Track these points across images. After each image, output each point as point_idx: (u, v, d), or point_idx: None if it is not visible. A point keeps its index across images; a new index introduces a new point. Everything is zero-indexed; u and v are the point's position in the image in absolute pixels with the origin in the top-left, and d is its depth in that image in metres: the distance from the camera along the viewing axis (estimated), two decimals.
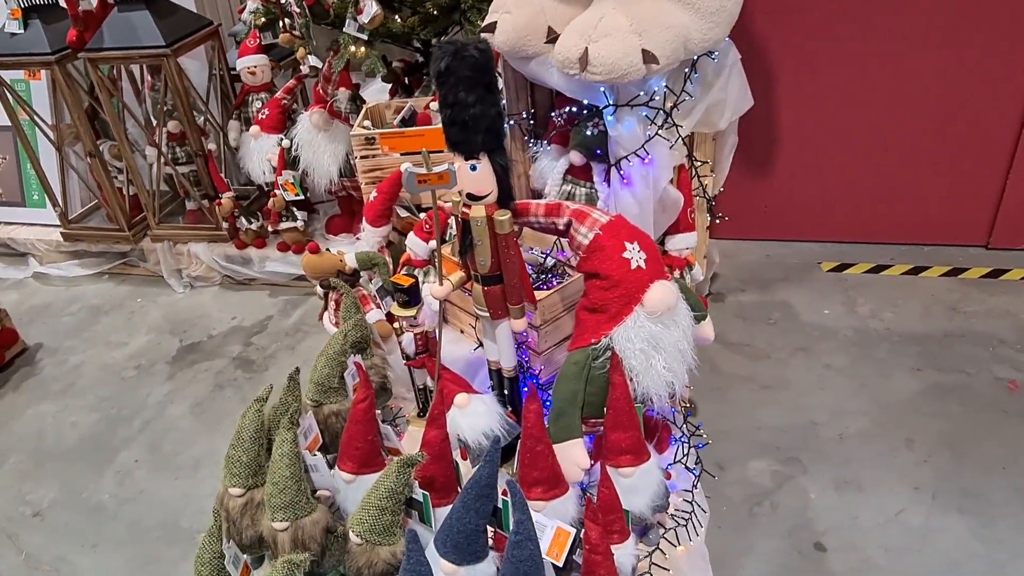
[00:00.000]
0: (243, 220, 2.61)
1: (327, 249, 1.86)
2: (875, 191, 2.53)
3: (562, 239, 1.87)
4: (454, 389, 1.63)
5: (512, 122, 1.89)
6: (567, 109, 1.80)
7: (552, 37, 1.65)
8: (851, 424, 1.92)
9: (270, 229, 2.61)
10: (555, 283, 1.80)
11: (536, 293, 1.65)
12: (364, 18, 1.96)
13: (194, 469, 1.99)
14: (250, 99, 2.64)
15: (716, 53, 1.64)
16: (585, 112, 1.72)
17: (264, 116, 2.53)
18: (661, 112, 1.61)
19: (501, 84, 1.95)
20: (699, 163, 1.80)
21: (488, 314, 1.51)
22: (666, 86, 1.61)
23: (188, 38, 2.44)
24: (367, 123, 2.06)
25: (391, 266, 1.98)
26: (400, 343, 1.73)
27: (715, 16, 1.54)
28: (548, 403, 1.72)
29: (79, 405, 2.26)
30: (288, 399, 1.48)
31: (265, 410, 1.47)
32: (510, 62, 1.80)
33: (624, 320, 1.37)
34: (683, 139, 1.69)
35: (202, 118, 2.71)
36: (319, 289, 1.82)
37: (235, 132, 2.66)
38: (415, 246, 1.87)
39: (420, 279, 1.88)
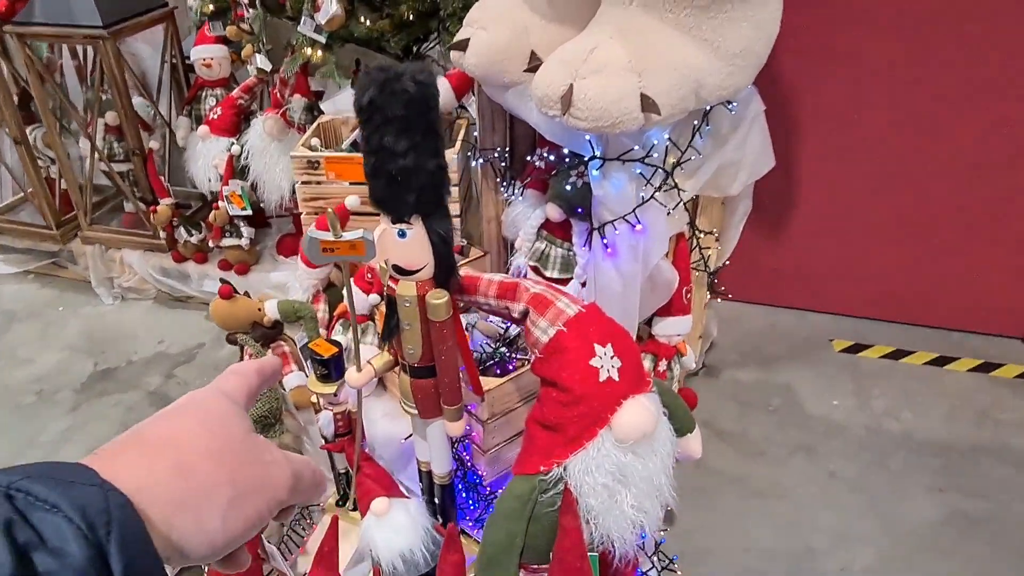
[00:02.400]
0: (182, 231, 2.29)
1: (245, 294, 1.55)
2: (900, 263, 2.21)
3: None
4: (373, 489, 1.32)
5: (482, 160, 1.57)
6: (548, 151, 1.49)
7: (534, 64, 1.33)
8: (856, 556, 1.60)
9: (210, 244, 2.30)
10: (517, 359, 1.48)
11: (486, 380, 1.34)
12: (321, 17, 1.65)
13: None
14: (203, 94, 2.32)
15: (735, 103, 1.33)
16: (567, 160, 1.40)
17: (216, 116, 2.22)
18: (660, 171, 1.29)
19: (474, 112, 1.63)
20: (702, 233, 1.48)
21: (416, 411, 1.19)
22: (669, 139, 1.30)
23: (133, 19, 2.12)
24: (315, 141, 1.75)
25: (328, 317, 1.66)
26: (317, 421, 1.42)
27: (738, 59, 1.23)
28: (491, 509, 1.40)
29: None
30: None
31: None
32: (484, 88, 1.49)
33: (585, 446, 1.06)
34: (684, 204, 1.38)
35: (152, 111, 2.40)
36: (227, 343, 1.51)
37: (184, 130, 2.34)
38: (354, 298, 1.56)
39: (345, 347, 1.57)
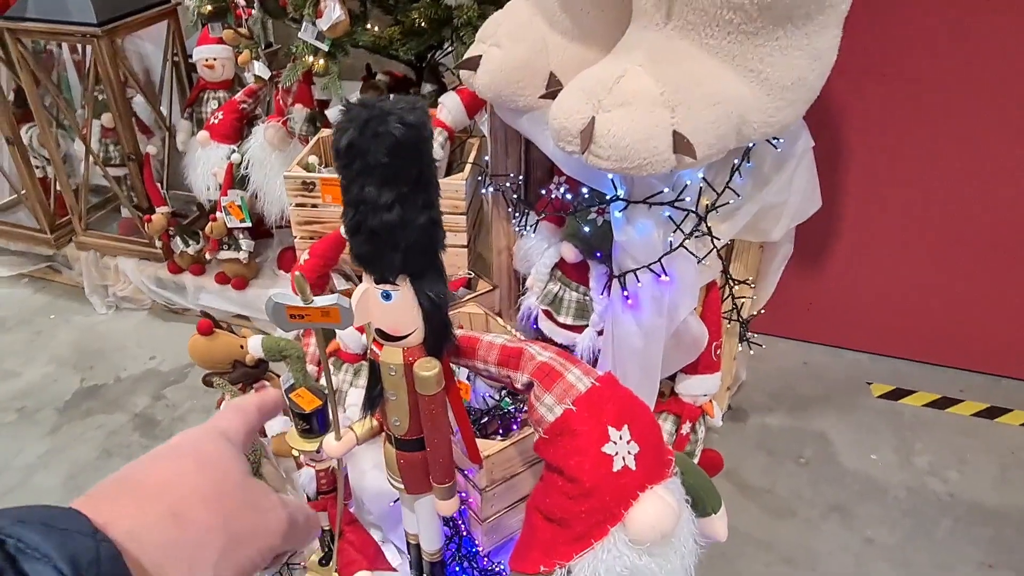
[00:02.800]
0: (178, 241, 2.16)
1: (227, 327, 1.41)
2: (948, 300, 2.03)
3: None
4: (356, 560, 1.18)
5: (493, 188, 1.42)
6: (566, 181, 1.33)
7: (553, 90, 1.18)
8: None
9: (207, 256, 2.17)
10: (524, 413, 1.33)
11: (486, 444, 1.19)
12: (323, 24, 1.50)
13: None
14: (205, 97, 2.19)
15: (781, 139, 1.16)
16: (586, 195, 1.25)
17: (217, 121, 2.08)
18: (692, 215, 1.13)
19: (486, 130, 1.48)
20: (736, 282, 1.32)
21: (402, 486, 1.05)
22: (703, 179, 1.14)
23: (131, 17, 1.99)
24: (313, 159, 1.60)
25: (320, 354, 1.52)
26: (299, 478, 1.28)
27: (788, 92, 1.06)
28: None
29: None
30: None
31: None
32: (497, 111, 1.33)
33: (593, 546, 0.91)
34: (718, 250, 1.21)
35: (153, 114, 2.28)
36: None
37: (184, 134, 2.21)
38: (347, 336, 1.42)
39: (335, 388, 1.43)
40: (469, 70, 1.24)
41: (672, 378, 1.36)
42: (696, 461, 1.36)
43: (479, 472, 1.17)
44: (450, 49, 1.76)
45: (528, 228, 1.40)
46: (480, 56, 1.23)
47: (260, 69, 1.76)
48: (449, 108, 1.57)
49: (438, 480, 1.00)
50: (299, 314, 0.82)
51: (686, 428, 1.31)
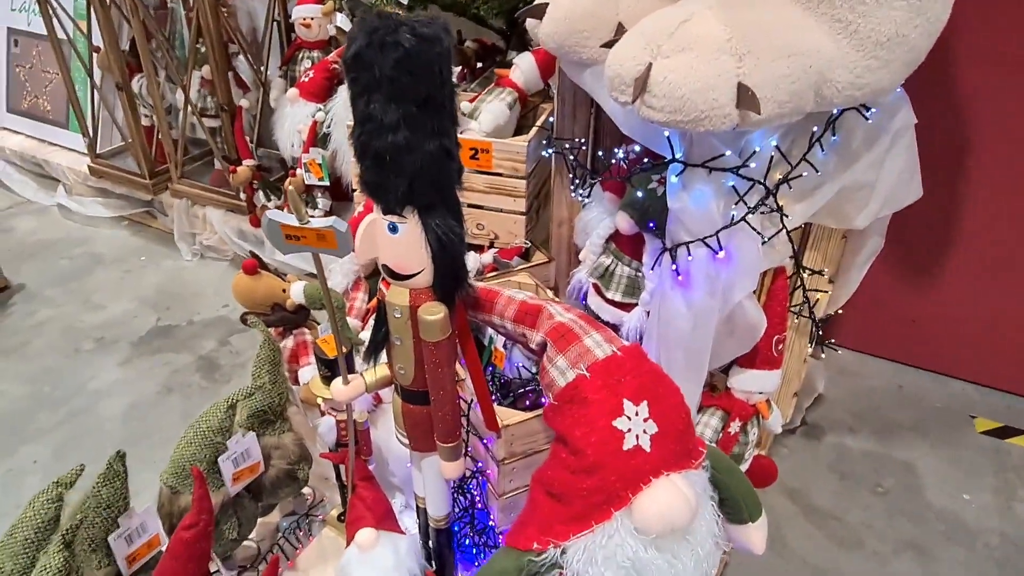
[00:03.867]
0: (261, 195, 2.21)
1: (274, 271, 1.40)
2: None
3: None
4: (363, 516, 1.13)
5: (553, 150, 1.34)
6: (635, 148, 1.23)
7: (617, 37, 1.08)
8: None
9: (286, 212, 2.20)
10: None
11: (507, 413, 1.10)
12: None
13: None
14: (300, 56, 2.22)
15: (874, 109, 1.02)
16: (646, 160, 1.14)
17: (307, 79, 2.11)
18: (759, 187, 1.01)
19: (554, 89, 1.40)
20: (809, 272, 1.17)
21: (407, 442, 0.99)
22: (776, 147, 1.01)
23: None
24: None
25: (366, 304, 1.49)
26: (318, 426, 1.25)
27: (883, 50, 0.92)
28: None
29: (18, 371, 1.95)
30: (101, 493, 1.03)
31: (71, 498, 1.04)
32: (563, 66, 1.25)
33: (593, 528, 0.82)
34: (788, 233, 1.08)
35: (253, 69, 2.34)
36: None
37: (277, 91, 2.25)
38: None
39: (337, 345, 1.39)
40: (535, 17, 1.17)
41: (727, 372, 1.23)
42: (746, 466, 1.23)
43: (498, 442, 1.10)
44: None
45: (586, 196, 1.31)
46: (547, 3, 1.15)
47: (342, 21, 1.75)
48: (522, 69, 1.51)
49: (441, 438, 0.94)
50: (295, 235, 0.77)
51: (734, 427, 1.18)
